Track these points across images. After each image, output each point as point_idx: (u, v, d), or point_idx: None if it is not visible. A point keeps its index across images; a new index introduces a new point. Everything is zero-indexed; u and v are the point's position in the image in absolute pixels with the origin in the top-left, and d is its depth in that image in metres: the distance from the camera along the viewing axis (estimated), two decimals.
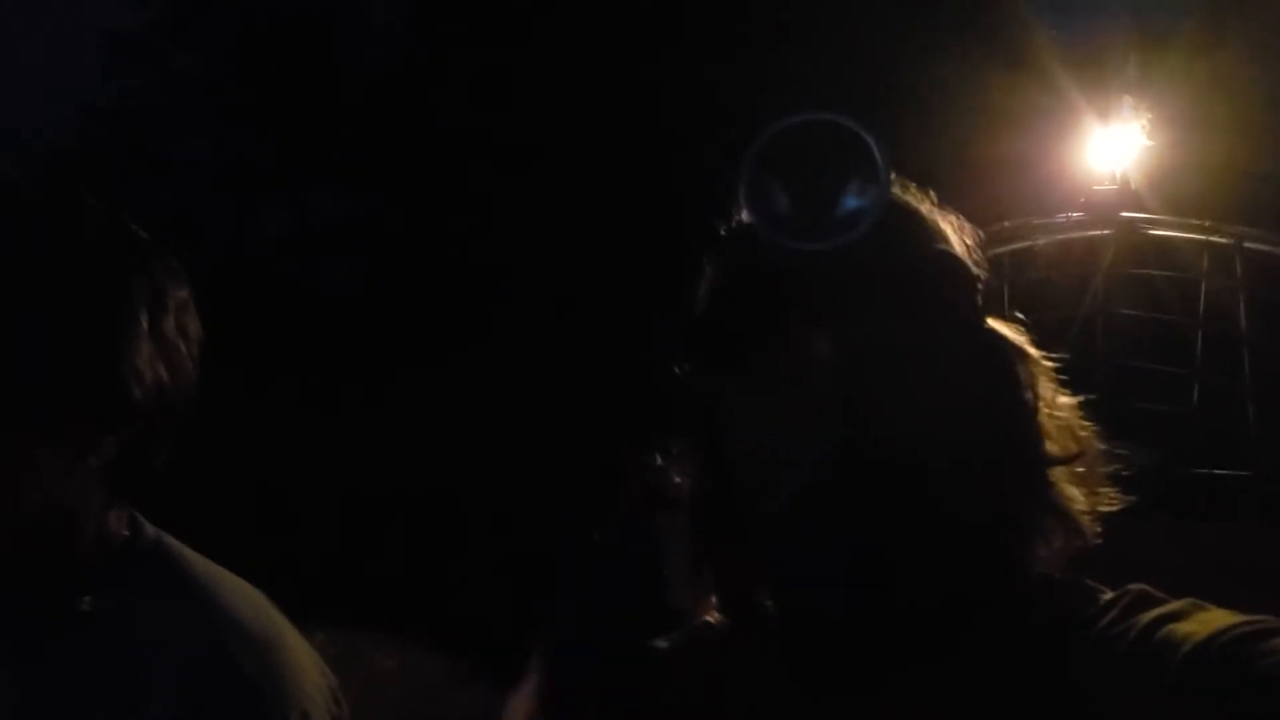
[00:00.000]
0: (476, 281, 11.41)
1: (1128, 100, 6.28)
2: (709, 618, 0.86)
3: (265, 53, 13.56)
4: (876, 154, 0.72)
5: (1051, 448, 0.79)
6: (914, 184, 0.80)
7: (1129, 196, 6.04)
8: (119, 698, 0.99)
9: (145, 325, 1.02)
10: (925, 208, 0.80)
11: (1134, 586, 0.75)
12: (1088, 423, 0.81)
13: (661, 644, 0.91)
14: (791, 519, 0.73)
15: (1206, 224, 5.65)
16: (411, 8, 13.53)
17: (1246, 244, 5.52)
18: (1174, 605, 0.72)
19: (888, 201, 0.73)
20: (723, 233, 0.79)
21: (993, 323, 0.80)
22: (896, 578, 0.72)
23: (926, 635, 0.73)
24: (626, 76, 10.88)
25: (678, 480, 0.85)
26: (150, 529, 1.10)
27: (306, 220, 13.68)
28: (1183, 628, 0.68)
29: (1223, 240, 5.58)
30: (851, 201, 0.72)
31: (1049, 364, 0.81)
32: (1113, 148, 6.20)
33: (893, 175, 0.74)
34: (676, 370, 0.81)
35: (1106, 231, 5.82)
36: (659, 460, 0.86)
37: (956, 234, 0.80)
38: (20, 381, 0.98)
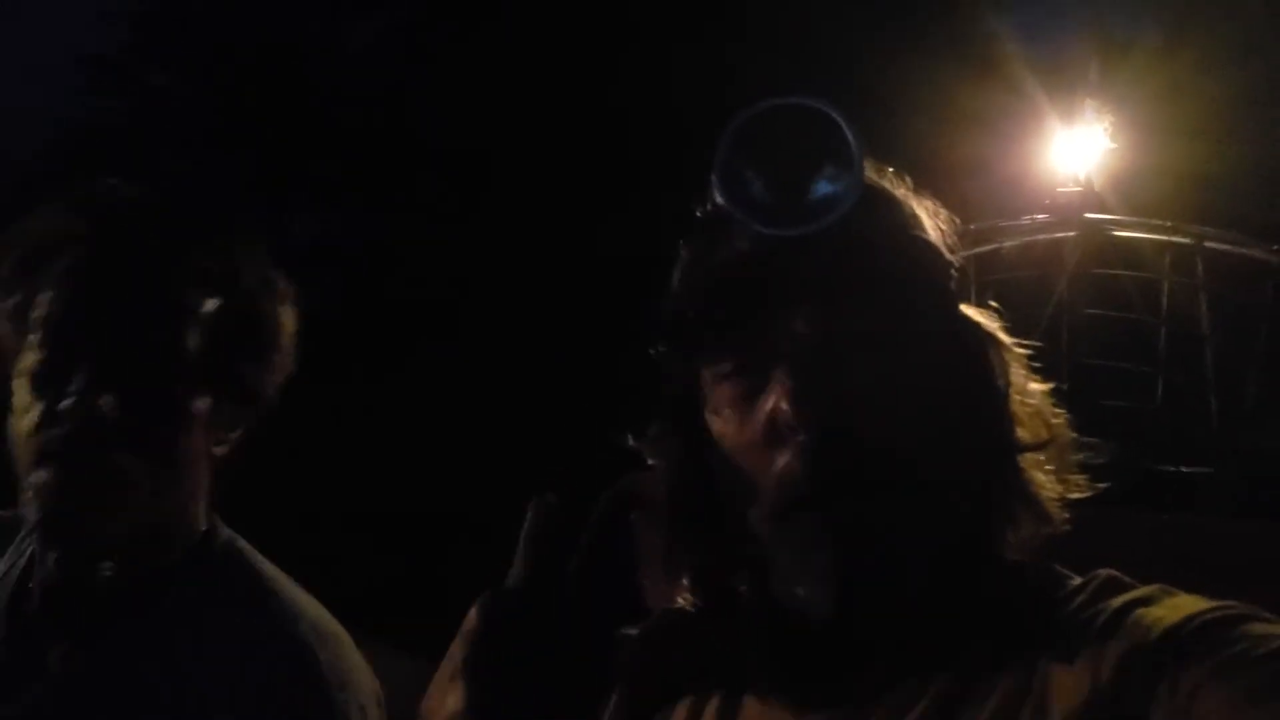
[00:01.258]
0: (456, 296, 11.35)
1: (1090, 104, 6.34)
2: (679, 602, 0.86)
3: (242, 72, 13.42)
4: (850, 139, 0.72)
5: (1022, 434, 0.79)
6: (890, 169, 0.80)
7: (1092, 198, 6.10)
8: (190, 688, 1.02)
9: (290, 331, 1.13)
10: (900, 193, 0.80)
11: (1102, 572, 0.75)
12: (1059, 410, 0.81)
13: (631, 631, 0.90)
14: (776, 518, 0.73)
15: (1168, 225, 5.72)
16: (387, 28, 13.44)
17: (1207, 244, 5.59)
18: (1143, 590, 0.72)
19: (862, 186, 0.73)
20: (699, 216, 0.78)
21: (965, 309, 0.80)
22: (884, 574, 0.71)
23: (909, 626, 0.73)
24: (593, 78, 10.86)
25: (652, 463, 0.84)
26: (224, 527, 1.15)
27: (286, 238, 13.54)
28: (1152, 612, 0.69)
29: (1184, 240, 5.65)
30: (825, 186, 0.72)
31: (1020, 351, 0.81)
32: (1076, 151, 6.26)
33: (866, 160, 0.74)
34: (654, 357, 0.81)
35: (1070, 233, 5.87)
36: (631, 441, 0.86)
37: (931, 219, 0.80)
38: (198, 375, 1.06)
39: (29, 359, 1.04)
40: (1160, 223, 5.76)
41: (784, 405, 0.71)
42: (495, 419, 9.61)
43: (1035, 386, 0.81)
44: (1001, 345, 0.81)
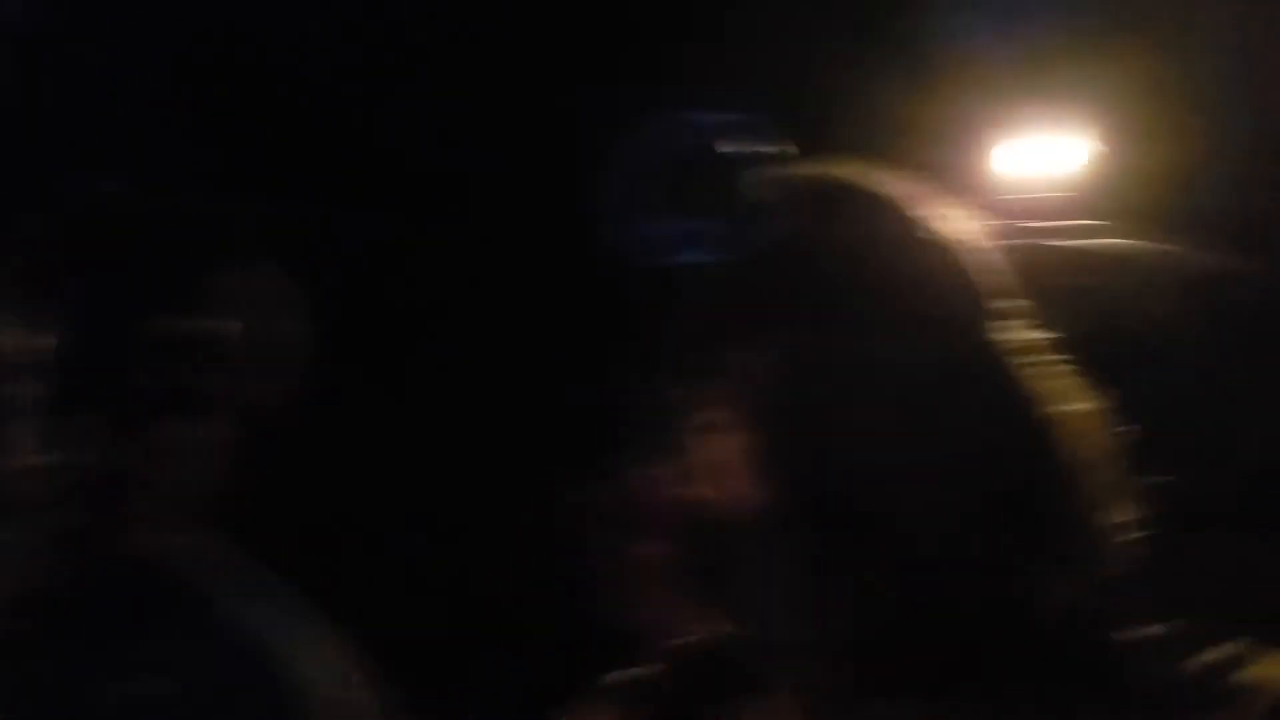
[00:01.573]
0: (455, 296, 11.52)
1: (1067, 109, 6.40)
2: (681, 640, 0.86)
3: (239, 71, 13.57)
4: (747, 156, 0.73)
5: (1053, 459, 0.71)
6: (912, 175, 0.77)
7: (1072, 203, 6.15)
8: (150, 689, 1.01)
9: (304, 346, 1.15)
10: (907, 197, 0.75)
11: (1176, 623, 0.70)
12: (1107, 429, 0.74)
13: (621, 676, 0.92)
14: (753, 548, 0.71)
15: (1151, 229, 5.74)
16: (386, 25, 13.62)
17: (1191, 248, 5.60)
18: (1228, 649, 0.68)
19: (795, 194, 0.71)
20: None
21: (993, 325, 0.74)
22: (856, 606, 0.68)
23: (917, 659, 0.68)
24: (546, 76, 11.05)
25: (635, 497, 0.85)
26: (198, 531, 1.12)
27: (284, 238, 13.77)
28: (1255, 674, 0.65)
29: (1168, 245, 5.67)
30: (742, 209, 0.72)
31: (1060, 365, 0.75)
32: (1053, 157, 6.30)
33: (867, 161, 0.72)
34: (646, 385, 0.81)
35: (1049, 241, 5.88)
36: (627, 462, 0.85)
37: (942, 222, 0.75)
38: (215, 403, 1.06)
39: (37, 389, 1.00)
40: (1142, 230, 5.78)
41: (757, 436, 0.70)
42: (495, 420, 9.75)
43: (1076, 408, 0.74)
44: (1026, 365, 0.74)
